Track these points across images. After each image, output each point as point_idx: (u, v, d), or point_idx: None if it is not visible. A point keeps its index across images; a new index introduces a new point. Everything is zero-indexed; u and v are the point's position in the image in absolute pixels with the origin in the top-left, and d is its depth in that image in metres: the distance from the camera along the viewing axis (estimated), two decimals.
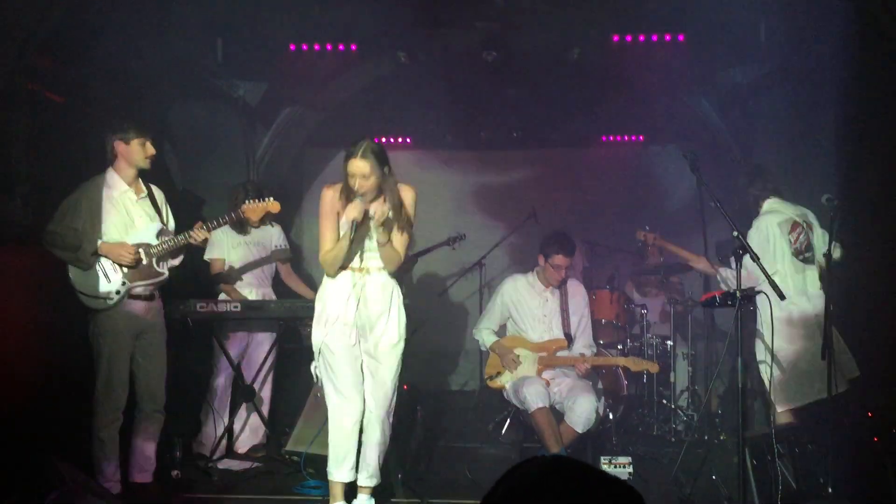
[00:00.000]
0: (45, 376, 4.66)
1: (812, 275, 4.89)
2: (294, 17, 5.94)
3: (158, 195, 4.79)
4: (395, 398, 4.31)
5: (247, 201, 4.88)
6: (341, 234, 4.14)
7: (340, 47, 6.46)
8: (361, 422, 4.22)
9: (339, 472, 4.19)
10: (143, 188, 4.69)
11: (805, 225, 4.95)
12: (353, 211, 4.07)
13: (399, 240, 4.22)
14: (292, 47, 6.45)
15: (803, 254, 4.90)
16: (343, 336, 4.19)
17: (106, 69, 5.06)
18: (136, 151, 4.55)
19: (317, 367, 4.28)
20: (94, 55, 5.03)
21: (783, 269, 4.69)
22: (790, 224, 4.89)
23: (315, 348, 4.26)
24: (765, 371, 4.70)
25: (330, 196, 4.21)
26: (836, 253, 4.81)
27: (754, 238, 4.71)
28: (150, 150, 4.60)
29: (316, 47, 6.46)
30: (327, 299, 4.23)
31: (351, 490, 4.28)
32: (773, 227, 4.81)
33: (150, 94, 5.61)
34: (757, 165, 5.39)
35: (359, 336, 4.22)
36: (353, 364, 4.22)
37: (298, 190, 8.60)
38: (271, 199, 4.88)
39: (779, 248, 4.79)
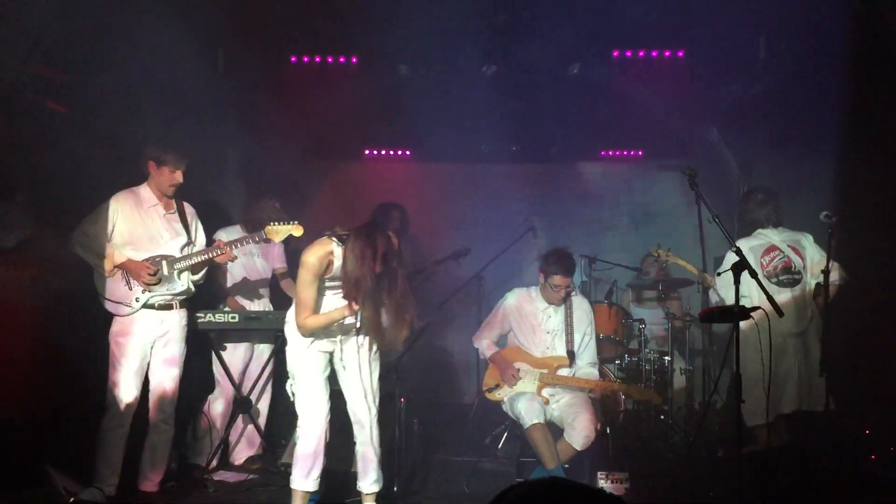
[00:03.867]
0: (45, 383, 4.68)
1: (789, 295, 4.87)
2: (295, 29, 5.96)
3: (189, 211, 4.97)
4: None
5: (272, 224, 4.90)
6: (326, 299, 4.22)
7: (341, 59, 6.49)
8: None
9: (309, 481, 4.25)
10: (173, 204, 4.87)
11: (788, 249, 4.93)
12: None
13: None
14: (293, 59, 6.48)
15: (777, 276, 4.92)
16: (321, 359, 4.30)
17: (108, 79, 5.08)
18: (165, 177, 4.75)
19: (292, 385, 4.34)
20: (96, 66, 5.06)
21: (750, 292, 4.57)
22: (764, 248, 4.89)
23: (290, 370, 4.34)
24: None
25: (314, 263, 4.12)
26: (835, 275, 4.83)
27: (728, 261, 4.67)
28: (178, 179, 4.77)
29: (317, 59, 6.49)
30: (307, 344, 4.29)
31: None
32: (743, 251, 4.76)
33: (150, 105, 5.62)
34: (766, 193, 5.35)
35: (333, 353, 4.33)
36: (324, 375, 4.31)
37: (298, 202, 8.60)
38: (295, 222, 4.92)
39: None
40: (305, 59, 6.50)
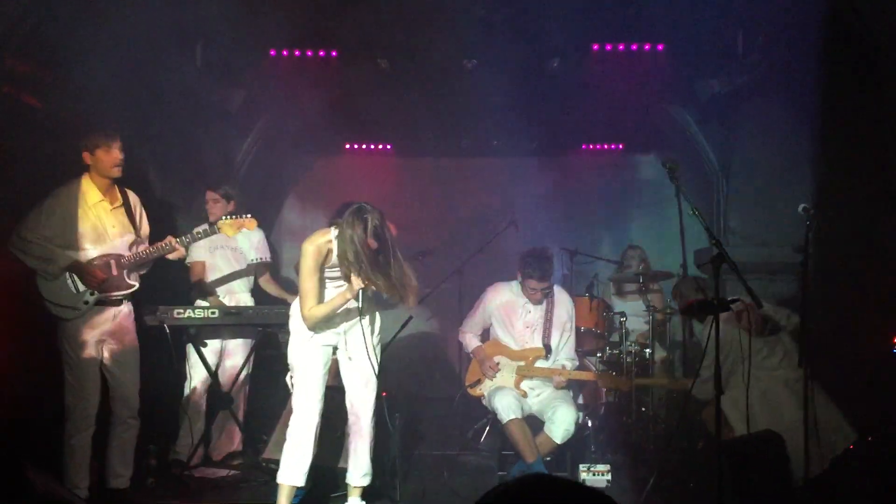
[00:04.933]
0: (19, 383, 4.61)
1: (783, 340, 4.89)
2: (274, 23, 5.92)
3: (134, 201, 4.77)
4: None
5: (224, 217, 4.82)
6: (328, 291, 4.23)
7: (321, 54, 6.45)
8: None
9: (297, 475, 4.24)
10: (119, 196, 4.66)
11: (748, 306, 4.89)
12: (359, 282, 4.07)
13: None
14: (272, 53, 6.44)
15: (765, 329, 4.88)
16: (322, 353, 4.30)
17: (83, 74, 5.02)
18: (102, 160, 4.51)
19: (292, 378, 4.34)
20: (71, 60, 4.99)
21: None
22: (735, 315, 4.76)
23: (290, 362, 4.33)
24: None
25: (313, 252, 4.15)
26: (794, 320, 4.88)
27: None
28: (116, 155, 4.53)
29: (296, 53, 6.45)
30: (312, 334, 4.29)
31: None
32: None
33: (128, 99, 5.56)
34: None
35: (336, 347, 4.33)
36: (324, 370, 4.32)
37: (279, 196, 8.56)
38: (248, 216, 4.82)
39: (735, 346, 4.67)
40: (285, 52, 6.46)
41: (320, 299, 4.20)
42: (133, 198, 4.78)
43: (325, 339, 4.30)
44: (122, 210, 4.66)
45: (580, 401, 5.60)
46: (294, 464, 4.21)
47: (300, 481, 4.23)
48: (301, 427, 4.22)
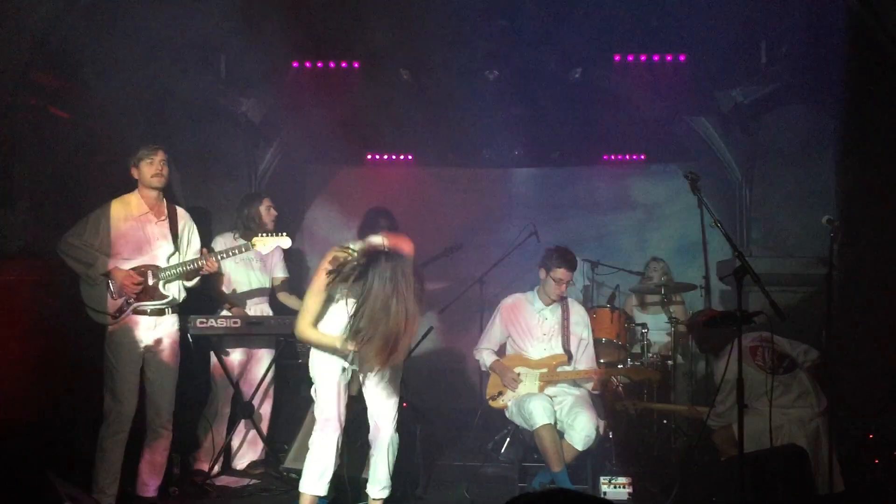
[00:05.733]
0: (47, 390, 4.69)
1: (800, 377, 4.82)
2: (297, 34, 5.97)
3: (182, 219, 4.93)
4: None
5: (260, 234, 4.95)
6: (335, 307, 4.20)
7: (343, 65, 6.50)
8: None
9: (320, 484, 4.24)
10: (165, 211, 4.83)
11: (763, 342, 4.84)
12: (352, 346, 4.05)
13: None
14: (295, 64, 6.49)
15: (781, 366, 4.77)
16: (340, 365, 4.26)
17: (109, 86, 5.09)
18: (144, 171, 4.72)
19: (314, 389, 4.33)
20: (97, 73, 5.06)
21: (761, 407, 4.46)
22: (747, 351, 4.68)
23: (312, 374, 4.33)
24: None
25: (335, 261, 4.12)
26: (812, 355, 4.82)
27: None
28: (157, 166, 4.72)
29: (319, 65, 6.50)
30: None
31: None
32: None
33: (153, 111, 5.64)
34: None
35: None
36: (344, 380, 4.30)
37: (301, 206, 8.61)
38: (284, 234, 4.96)
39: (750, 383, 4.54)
40: (307, 64, 6.51)
41: (319, 317, 4.18)
42: (182, 214, 4.94)
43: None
44: (167, 224, 4.82)
45: (601, 413, 5.57)
46: (316, 474, 4.21)
47: (322, 491, 4.23)
48: (323, 438, 4.23)
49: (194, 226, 5.01)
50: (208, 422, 5.51)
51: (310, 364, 4.33)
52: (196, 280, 4.90)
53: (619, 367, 6.07)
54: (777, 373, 4.63)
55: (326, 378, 4.26)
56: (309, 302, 4.14)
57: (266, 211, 5.76)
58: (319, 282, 4.08)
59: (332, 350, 4.15)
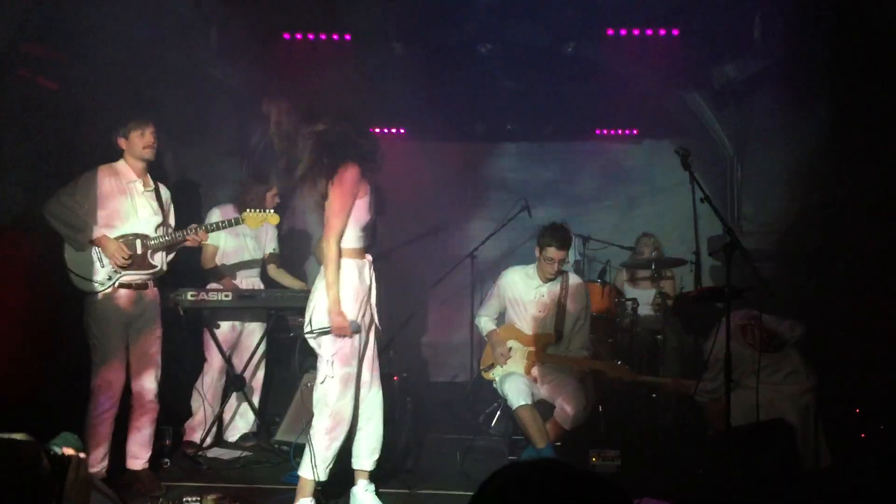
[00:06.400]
0: (40, 362, 4.68)
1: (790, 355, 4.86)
2: (288, 6, 5.92)
3: (164, 193, 4.91)
4: None
5: (248, 210, 4.99)
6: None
7: (335, 37, 6.45)
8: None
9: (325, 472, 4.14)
10: (151, 182, 4.80)
11: (752, 320, 4.85)
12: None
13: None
14: (286, 36, 6.43)
15: (770, 344, 4.78)
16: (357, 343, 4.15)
17: (99, 57, 5.05)
18: (135, 143, 4.67)
19: (328, 369, 4.08)
20: (87, 42, 5.01)
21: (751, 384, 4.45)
22: (737, 330, 4.70)
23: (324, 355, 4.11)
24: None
25: (358, 175, 4.07)
26: (797, 331, 4.84)
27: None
28: (149, 138, 4.67)
29: (310, 37, 6.44)
30: (349, 290, 4.11)
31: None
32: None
33: (143, 82, 5.59)
34: None
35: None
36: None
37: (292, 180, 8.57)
38: (271, 211, 5.02)
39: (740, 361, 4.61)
40: (298, 36, 6.45)
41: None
42: (164, 191, 4.92)
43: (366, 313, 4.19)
44: (153, 194, 4.79)
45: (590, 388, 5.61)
46: (326, 462, 4.08)
47: (325, 476, 4.12)
48: (339, 425, 4.09)
49: (172, 204, 4.97)
50: (200, 394, 5.54)
51: (323, 346, 4.09)
52: (174, 254, 4.86)
53: (608, 350, 6.10)
54: (766, 350, 4.65)
55: (351, 361, 4.10)
56: (342, 212, 4.03)
57: (270, 199, 5.79)
58: (351, 184, 4.02)
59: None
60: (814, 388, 4.67)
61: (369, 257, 4.24)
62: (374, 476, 4.40)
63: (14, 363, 4.54)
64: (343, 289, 4.06)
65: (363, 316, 4.15)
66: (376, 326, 4.32)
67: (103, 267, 4.55)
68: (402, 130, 8.65)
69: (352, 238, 4.10)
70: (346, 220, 4.05)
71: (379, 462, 4.40)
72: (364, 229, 4.15)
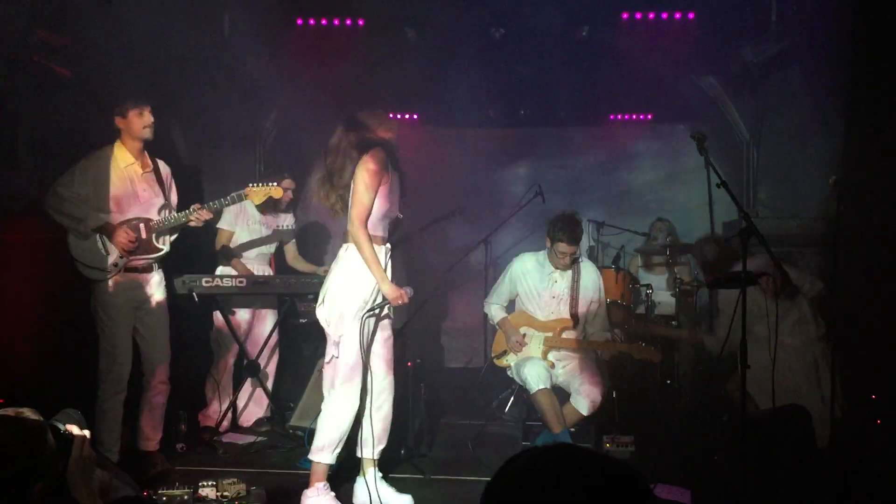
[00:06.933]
0: (53, 348, 4.72)
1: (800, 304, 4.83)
2: None
3: (164, 170, 4.83)
4: None
5: (251, 184, 4.87)
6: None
7: (348, 22, 6.42)
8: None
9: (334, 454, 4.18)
10: (150, 162, 4.73)
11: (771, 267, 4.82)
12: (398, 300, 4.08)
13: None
14: (299, 22, 6.42)
15: (783, 291, 4.73)
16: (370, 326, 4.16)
17: (112, 43, 5.05)
18: (134, 123, 4.57)
19: (339, 342, 4.11)
20: (100, 29, 5.02)
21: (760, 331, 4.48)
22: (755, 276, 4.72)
23: (342, 325, 4.13)
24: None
25: (384, 160, 4.12)
26: (817, 286, 4.80)
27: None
28: (148, 118, 4.59)
29: (323, 22, 6.42)
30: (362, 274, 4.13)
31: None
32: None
33: (156, 68, 5.59)
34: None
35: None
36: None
37: (305, 166, 8.57)
38: (274, 184, 4.90)
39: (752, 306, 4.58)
40: (311, 21, 6.43)
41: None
42: (164, 167, 4.84)
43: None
44: (153, 175, 4.73)
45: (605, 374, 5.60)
46: (333, 445, 4.13)
47: (331, 459, 4.16)
48: (346, 408, 4.13)
49: (174, 180, 4.91)
50: (215, 380, 5.57)
51: (334, 328, 4.14)
52: (176, 234, 4.80)
53: (623, 336, 6.08)
54: (778, 297, 4.61)
55: (355, 340, 4.11)
56: (370, 192, 4.06)
57: (283, 191, 5.72)
58: (380, 168, 4.08)
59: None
60: (823, 337, 4.65)
61: (388, 246, 4.24)
62: (387, 462, 4.40)
63: (27, 346, 4.59)
64: (356, 273, 4.09)
65: (374, 301, 4.15)
66: (388, 315, 4.31)
67: (108, 254, 4.53)
68: (415, 116, 8.62)
69: (373, 224, 4.12)
70: (372, 201, 4.07)
71: (392, 448, 4.41)
72: (386, 217, 4.17)
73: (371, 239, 4.07)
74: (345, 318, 4.09)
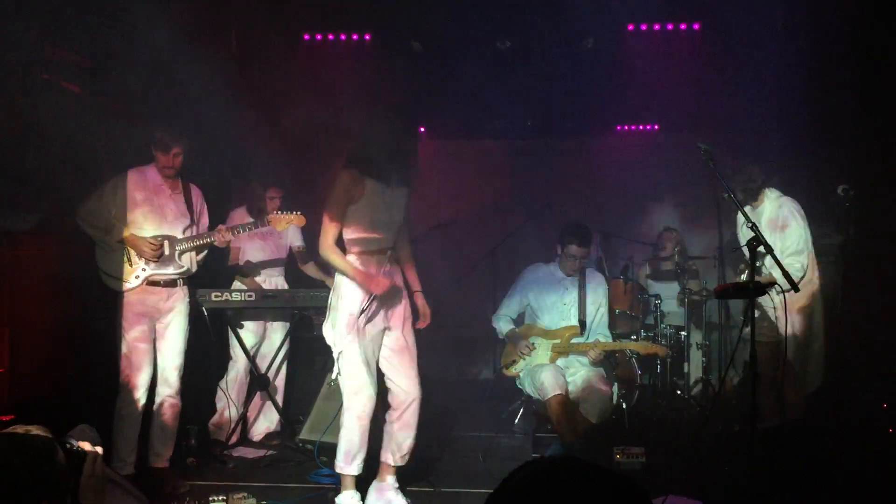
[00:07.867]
0: (64, 363, 4.73)
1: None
2: (308, 6, 5.94)
3: (195, 193, 4.97)
4: None
5: (276, 212, 5.08)
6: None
7: (354, 37, 6.46)
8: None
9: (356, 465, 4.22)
10: (179, 185, 4.88)
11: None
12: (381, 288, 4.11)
13: None
14: (306, 37, 6.46)
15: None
16: (376, 323, 4.24)
17: (120, 61, 5.09)
18: (160, 160, 4.75)
19: (339, 357, 4.19)
20: (108, 46, 5.06)
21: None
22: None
23: (340, 340, 4.20)
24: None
25: (349, 180, 4.15)
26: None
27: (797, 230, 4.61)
28: (172, 162, 4.74)
29: (330, 37, 6.47)
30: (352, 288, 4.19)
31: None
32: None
33: (163, 84, 5.62)
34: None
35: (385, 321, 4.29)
36: (376, 354, 4.27)
37: (312, 180, 8.60)
38: (298, 213, 5.05)
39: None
40: (318, 36, 6.48)
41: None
42: (195, 191, 4.97)
43: (377, 324, 4.23)
44: (182, 197, 4.87)
45: (614, 374, 5.59)
46: (350, 455, 4.18)
47: (356, 471, 4.20)
48: (354, 419, 4.16)
49: (205, 204, 5.04)
50: (225, 394, 5.57)
51: (335, 337, 4.22)
52: (203, 254, 4.94)
53: (631, 339, 6.07)
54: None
55: (356, 350, 4.17)
56: (334, 215, 4.15)
57: (270, 200, 5.76)
58: (343, 188, 4.13)
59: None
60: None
61: (387, 265, 4.25)
62: (398, 471, 4.40)
63: (40, 360, 4.61)
64: (341, 286, 4.21)
65: (372, 313, 4.19)
66: (403, 325, 4.34)
67: (132, 266, 4.65)
68: (421, 129, 8.64)
69: (358, 238, 4.21)
70: (335, 217, 4.15)
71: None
72: (374, 229, 4.21)
73: (337, 251, 4.16)
74: (341, 333, 4.17)
